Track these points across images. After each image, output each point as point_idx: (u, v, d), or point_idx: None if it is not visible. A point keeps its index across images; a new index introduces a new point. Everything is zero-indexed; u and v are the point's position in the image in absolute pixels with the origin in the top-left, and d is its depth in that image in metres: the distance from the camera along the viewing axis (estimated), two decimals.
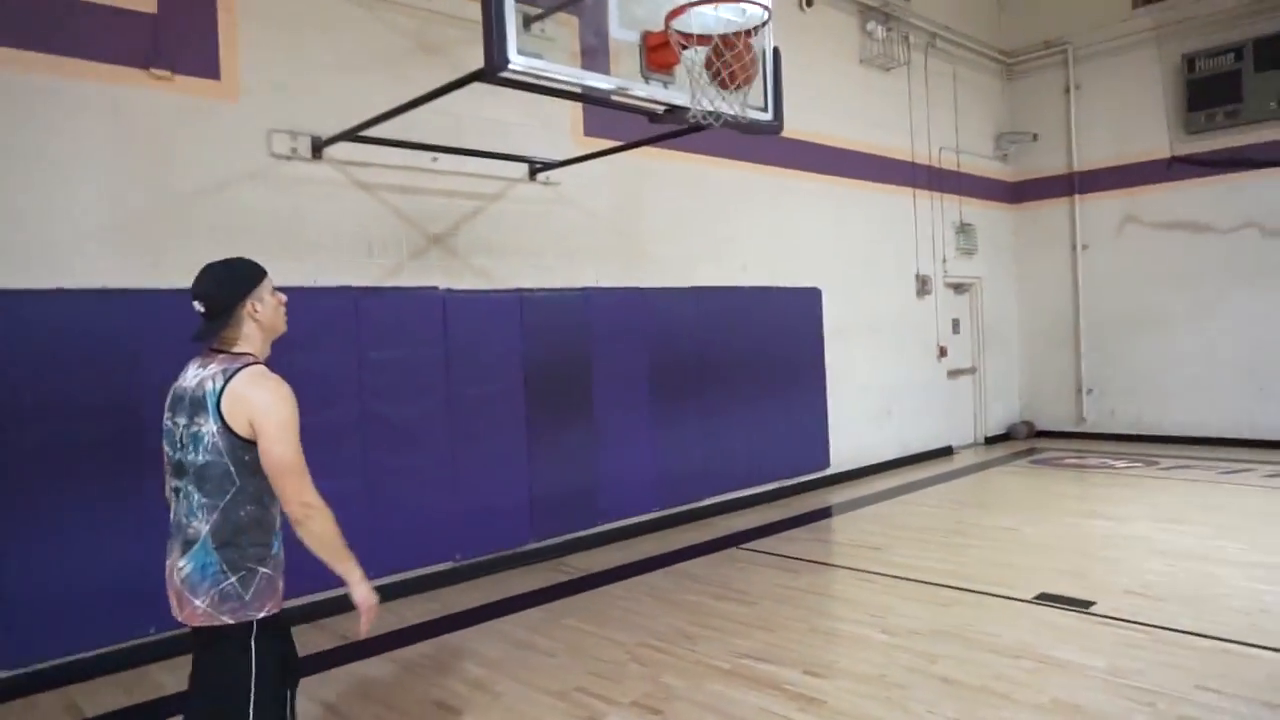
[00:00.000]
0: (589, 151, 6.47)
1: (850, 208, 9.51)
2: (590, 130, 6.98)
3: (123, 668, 4.57)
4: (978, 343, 11.61)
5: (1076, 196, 11.57)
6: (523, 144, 6.49)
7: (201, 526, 2.26)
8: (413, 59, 5.92)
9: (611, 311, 6.98)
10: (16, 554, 4.30)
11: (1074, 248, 11.66)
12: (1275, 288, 10.09)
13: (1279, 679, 3.84)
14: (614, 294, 7.05)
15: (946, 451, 10.88)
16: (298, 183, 5.42)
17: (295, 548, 2.42)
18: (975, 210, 11.43)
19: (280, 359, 5.14)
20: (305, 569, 4.70)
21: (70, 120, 4.60)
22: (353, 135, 5.26)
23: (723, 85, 4.33)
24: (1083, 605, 4.91)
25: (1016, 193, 12.19)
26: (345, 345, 5.46)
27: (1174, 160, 10.57)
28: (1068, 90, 11.52)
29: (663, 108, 4.54)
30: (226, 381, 2.27)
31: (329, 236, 5.56)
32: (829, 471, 9.03)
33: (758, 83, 4.84)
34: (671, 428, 7.37)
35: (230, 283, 2.39)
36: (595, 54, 4.89)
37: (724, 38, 4.26)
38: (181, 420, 2.33)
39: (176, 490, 2.35)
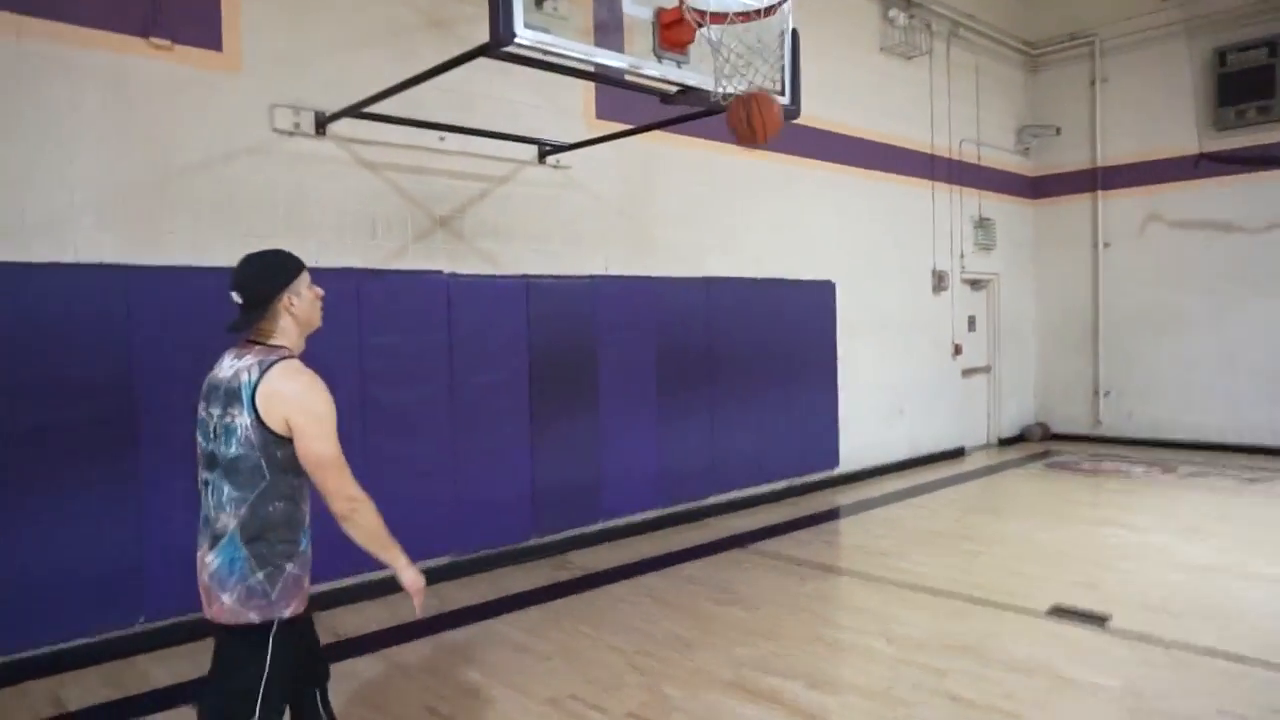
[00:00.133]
0: (600, 135, 6.28)
1: (866, 199, 9.28)
2: (602, 113, 6.78)
3: (109, 658, 4.45)
4: (993, 341, 11.39)
5: (1099, 193, 11.29)
6: (532, 126, 6.30)
7: (230, 520, 2.24)
8: (421, 34, 5.73)
9: (619, 300, 6.80)
10: (0, 538, 4.18)
11: (1095, 245, 11.40)
12: None
13: None
14: (622, 282, 6.87)
15: (958, 453, 10.69)
16: (300, 159, 5.25)
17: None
18: (994, 205, 11.18)
19: None
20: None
21: (66, 89, 4.44)
22: (357, 111, 5.09)
23: (746, 141, 4.21)
24: (1098, 619, 4.73)
25: (1037, 188, 11.92)
26: (346, 329, 5.31)
27: (1202, 157, 10.28)
28: (1093, 83, 11.23)
29: (675, 88, 4.34)
30: (262, 374, 2.24)
31: (332, 216, 5.39)
32: (838, 471, 8.85)
33: (774, 66, 4.64)
34: (677, 423, 7.20)
35: (268, 275, 2.37)
36: (608, 33, 4.70)
37: (753, 96, 4.13)
38: (215, 411, 2.29)
39: (206, 483, 2.31)
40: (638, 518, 7.00)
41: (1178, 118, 10.56)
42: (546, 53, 3.93)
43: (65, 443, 4.31)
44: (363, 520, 2.28)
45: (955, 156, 10.49)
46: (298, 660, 2.35)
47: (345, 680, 4.15)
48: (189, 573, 4.63)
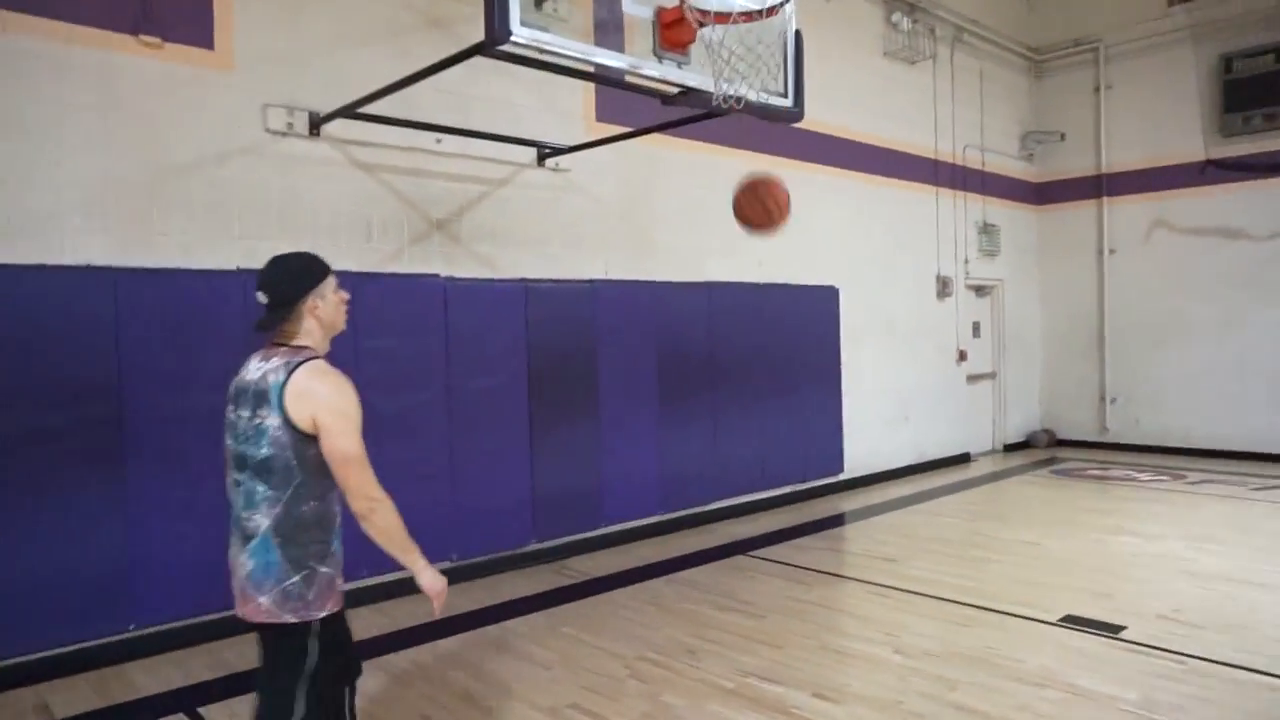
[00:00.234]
0: (600, 138, 6.20)
1: (870, 205, 9.20)
2: (602, 115, 6.71)
3: (98, 665, 4.34)
4: (998, 347, 11.28)
5: (1104, 199, 11.20)
6: (531, 128, 6.23)
7: (262, 521, 2.25)
8: (418, 34, 5.66)
9: (619, 305, 6.71)
10: None
11: (1100, 252, 11.30)
12: None
13: None
14: (622, 287, 6.78)
15: (964, 459, 10.57)
16: (294, 160, 5.17)
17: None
18: (999, 211, 11.09)
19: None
20: None
21: (54, 86, 4.36)
22: (352, 112, 5.01)
23: (765, 226, 4.16)
24: (1112, 630, 4.61)
25: (1042, 194, 11.83)
26: (341, 333, 5.20)
27: (1208, 164, 10.19)
28: (1098, 90, 11.15)
29: (676, 89, 4.26)
30: (289, 375, 2.26)
31: (326, 218, 5.31)
32: (842, 477, 8.74)
33: (777, 67, 4.56)
34: (679, 428, 7.09)
35: (294, 277, 2.39)
36: (608, 33, 4.62)
37: (753, 182, 4.07)
38: (245, 413, 2.32)
39: (237, 483, 2.34)
40: (639, 523, 6.89)
41: (1183, 124, 10.48)
42: (544, 51, 3.85)
43: (52, 446, 4.21)
44: (381, 520, 2.27)
45: (959, 162, 10.41)
46: (337, 657, 2.36)
47: None
48: (180, 579, 4.58)
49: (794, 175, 8.28)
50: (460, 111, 5.83)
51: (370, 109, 5.03)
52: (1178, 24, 10.36)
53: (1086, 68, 11.26)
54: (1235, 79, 9.93)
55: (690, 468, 7.18)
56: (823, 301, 8.52)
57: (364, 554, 5.08)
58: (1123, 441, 11.16)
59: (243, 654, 4.51)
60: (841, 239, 8.85)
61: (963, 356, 10.53)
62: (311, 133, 5.22)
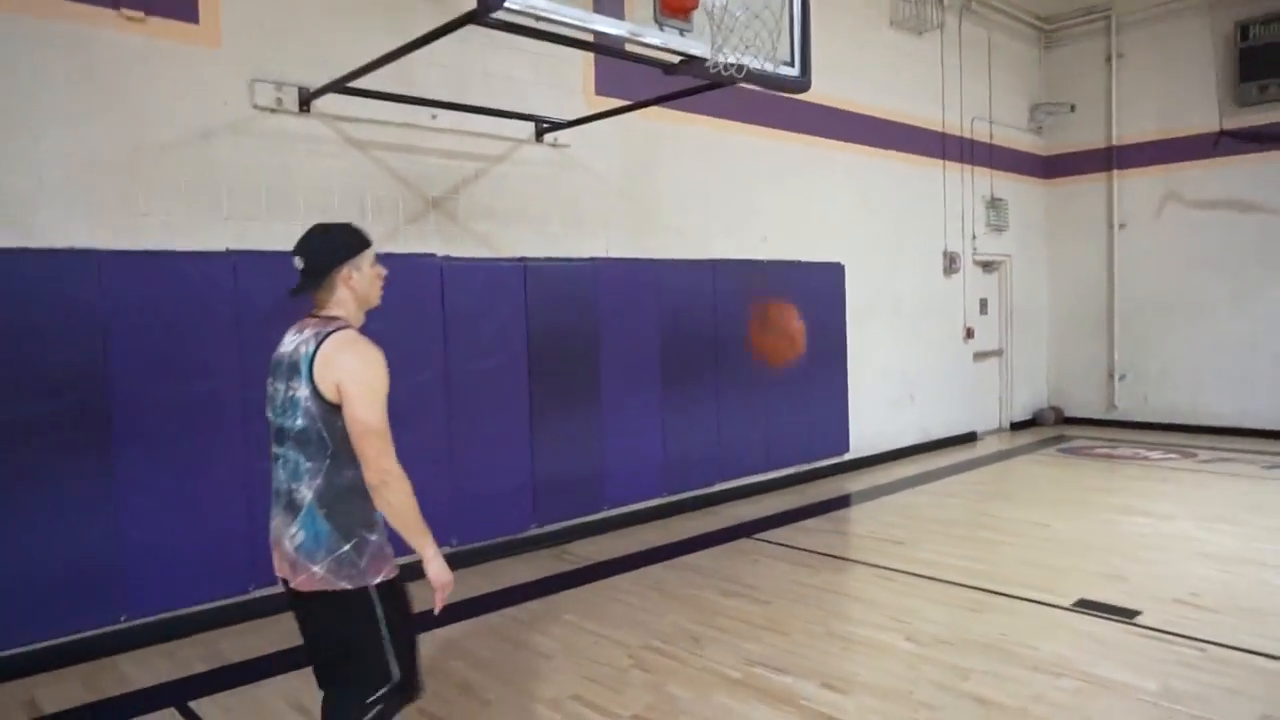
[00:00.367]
0: (600, 111, 6.02)
1: (876, 179, 9.00)
2: (602, 89, 6.52)
3: (88, 658, 4.24)
4: (1005, 324, 11.12)
5: (1115, 172, 10.98)
6: (530, 103, 6.05)
7: (306, 492, 2.26)
8: (412, 6, 5.46)
9: (621, 284, 6.55)
10: None
11: (1110, 226, 11.09)
12: None
13: None
14: (624, 265, 6.62)
15: (970, 437, 10.44)
16: (284, 137, 5.01)
17: None
18: (1007, 185, 10.88)
19: (265, 330, 4.78)
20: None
21: (32, 60, 4.20)
22: (343, 86, 4.84)
23: (788, 356, 3.96)
24: (1127, 615, 4.50)
25: (1050, 167, 11.61)
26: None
27: (1222, 135, 9.95)
28: (1109, 59, 10.90)
29: (678, 58, 4.08)
30: (318, 345, 2.26)
31: (318, 197, 5.15)
32: (847, 457, 8.62)
33: (783, 35, 4.38)
34: (682, 409, 6.96)
35: (331, 247, 2.39)
36: (610, 3, 4.46)
37: (766, 316, 3.88)
38: (280, 386, 2.34)
39: (278, 457, 2.35)
40: (641, 506, 6.78)
41: (1197, 94, 10.23)
42: (540, 19, 3.67)
43: (36, 435, 4.09)
44: (393, 496, 2.24)
45: (967, 135, 10.19)
46: (406, 620, 2.36)
47: None
48: (171, 568, 4.47)
49: (799, 150, 8.13)
50: (456, 86, 5.66)
51: (363, 84, 4.86)
52: None
53: (1097, 37, 11.00)
54: (1251, 46, 9.67)
55: (693, 449, 7.06)
56: (828, 278, 8.36)
57: None
58: (1131, 419, 11.02)
59: (237, 644, 4.43)
60: (847, 215, 8.67)
61: (970, 334, 10.38)
62: (302, 109, 5.05)
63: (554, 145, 6.27)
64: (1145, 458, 9.10)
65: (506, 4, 3.43)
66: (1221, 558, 5.48)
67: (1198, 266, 10.42)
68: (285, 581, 2.35)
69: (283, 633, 4.55)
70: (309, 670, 4.01)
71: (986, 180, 10.53)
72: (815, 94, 7.94)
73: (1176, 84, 10.39)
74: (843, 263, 8.49)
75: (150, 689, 3.94)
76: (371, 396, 2.24)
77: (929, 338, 9.77)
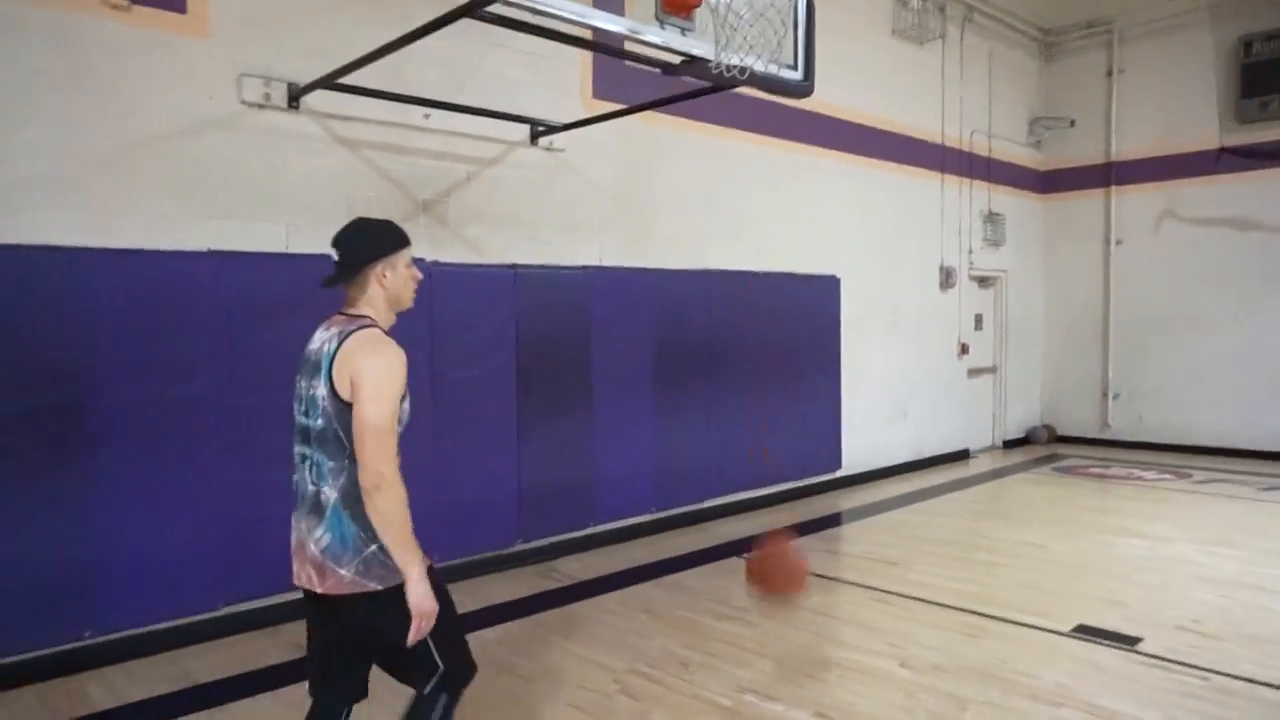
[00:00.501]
0: (596, 114, 5.89)
1: (873, 190, 8.90)
2: (599, 93, 6.39)
3: (47, 677, 4.03)
4: (1000, 340, 11.03)
5: (1113, 188, 10.92)
6: (525, 105, 5.91)
7: (331, 493, 2.23)
8: (408, 1, 5.31)
9: (614, 292, 6.42)
10: None
11: (1107, 242, 11.03)
12: None
13: None
14: (618, 273, 6.48)
15: (963, 455, 10.33)
16: (271, 134, 4.86)
17: None
18: (1004, 199, 10.81)
19: (248, 333, 4.62)
20: (256, 572, 3.91)
21: (9, 49, 4.03)
22: (333, 83, 4.69)
23: (797, 586, 3.78)
24: (1128, 641, 4.37)
25: (1048, 182, 11.54)
26: (319, 318, 4.89)
27: (1223, 151, 9.89)
28: (1110, 74, 10.85)
29: (679, 58, 3.95)
30: (340, 343, 2.23)
31: (305, 196, 5.00)
32: (839, 473, 8.49)
33: (786, 37, 4.25)
34: (675, 422, 6.82)
35: (368, 242, 2.36)
36: (610, 2, 4.33)
37: (767, 550, 3.72)
38: (304, 383, 2.31)
39: (303, 457, 2.31)
40: (631, 521, 6.63)
41: (1198, 110, 10.17)
42: (536, 13, 3.54)
43: (6, 439, 3.91)
44: (384, 502, 2.15)
45: (965, 148, 10.11)
46: (446, 609, 2.31)
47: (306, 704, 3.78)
48: (142, 581, 4.29)
49: (797, 159, 8.02)
50: (450, 86, 5.52)
51: (354, 81, 4.72)
52: (1195, 4, 10.03)
53: (1099, 50, 10.95)
54: (1253, 62, 9.62)
55: (685, 463, 6.92)
56: (824, 291, 8.24)
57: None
58: (1125, 439, 10.94)
59: (206, 664, 4.25)
60: (844, 226, 8.56)
61: (964, 350, 10.28)
62: (290, 105, 4.90)
63: (549, 149, 6.14)
64: (1140, 478, 9.01)
65: None
66: (1221, 582, 5.37)
67: (1195, 284, 10.35)
68: (307, 590, 2.30)
69: (253, 652, 4.39)
70: (281, 692, 3.89)
71: (984, 194, 10.45)
72: (814, 102, 7.82)
73: (1177, 99, 10.34)
74: (838, 275, 8.37)
75: (114, 710, 3.77)
76: (380, 396, 2.17)
77: (924, 353, 9.67)
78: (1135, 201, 10.78)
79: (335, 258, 2.34)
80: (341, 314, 2.37)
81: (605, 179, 6.54)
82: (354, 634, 2.35)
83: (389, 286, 2.35)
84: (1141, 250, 10.78)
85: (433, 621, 2.23)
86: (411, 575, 2.18)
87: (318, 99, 4.96)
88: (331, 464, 2.23)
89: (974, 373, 10.56)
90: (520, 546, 5.91)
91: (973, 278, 10.45)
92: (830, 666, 4.14)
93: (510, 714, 3.65)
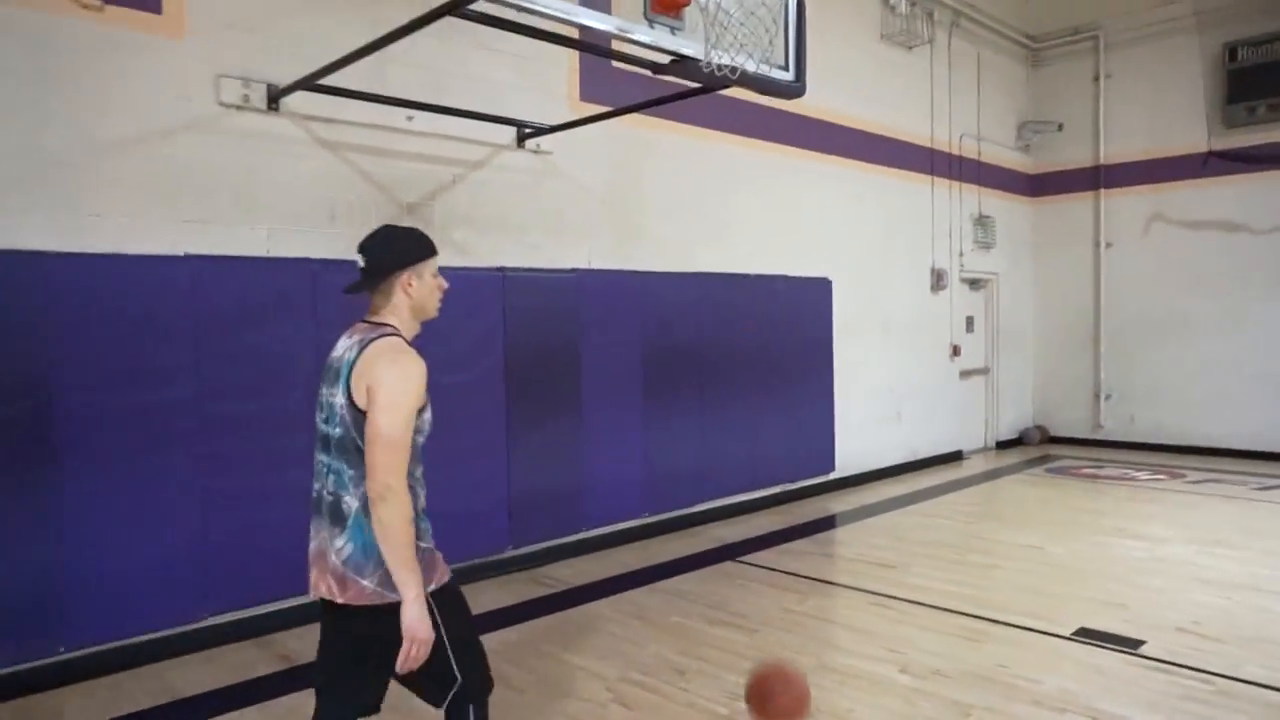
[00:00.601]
0: (584, 117, 5.82)
1: (864, 193, 8.86)
2: (587, 95, 6.32)
3: (20, 694, 3.90)
4: (992, 342, 10.99)
5: (1102, 191, 10.92)
6: (511, 107, 5.83)
7: (352, 502, 2.20)
8: (391, 1, 5.24)
9: (604, 296, 6.33)
10: None
11: (1097, 245, 11.03)
12: None
13: None
14: (607, 276, 6.40)
15: (956, 456, 10.28)
16: (250, 136, 4.76)
17: None
18: (994, 202, 10.79)
19: (227, 339, 4.51)
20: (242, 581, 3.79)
21: None
22: (314, 84, 4.60)
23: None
24: (1130, 645, 4.30)
25: (1038, 185, 11.54)
26: (300, 324, 4.81)
27: (1210, 155, 9.91)
28: (1097, 79, 10.86)
29: (668, 58, 3.89)
30: (360, 352, 2.21)
31: (285, 200, 4.90)
32: (833, 476, 8.42)
33: (777, 38, 4.20)
34: (665, 425, 6.73)
35: (395, 248, 2.33)
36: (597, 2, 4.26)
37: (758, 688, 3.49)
38: (325, 391, 2.29)
39: (322, 465, 2.28)
40: (622, 526, 6.53)
41: (1184, 114, 10.19)
42: (521, 10, 3.46)
43: None
44: (387, 514, 2.09)
45: (955, 151, 10.09)
46: (465, 621, 2.32)
47: (291, 717, 3.67)
48: (118, 594, 4.16)
49: (787, 162, 7.97)
50: (434, 88, 5.44)
51: (336, 83, 4.63)
52: (1181, 11, 10.07)
53: (1086, 56, 10.97)
54: (1240, 68, 9.65)
55: (677, 467, 6.83)
56: (815, 294, 8.18)
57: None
58: (1117, 439, 10.92)
59: (188, 677, 4.13)
60: (835, 229, 8.51)
61: (956, 352, 10.24)
62: (270, 107, 4.80)
63: (536, 152, 6.06)
64: (1133, 478, 8.97)
65: None
66: (1220, 584, 5.31)
67: (1184, 286, 10.35)
68: (325, 601, 2.26)
69: (238, 663, 4.27)
70: (268, 705, 3.78)
71: (974, 197, 10.43)
72: (804, 105, 7.79)
73: (1164, 104, 10.36)
74: (830, 278, 8.32)
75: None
76: (395, 406, 2.13)
77: (916, 355, 9.62)
78: (1124, 205, 10.79)
79: (361, 264, 2.31)
80: (365, 321, 2.34)
81: (594, 182, 6.47)
82: (371, 644, 2.27)
83: (414, 295, 2.34)
84: (1131, 253, 10.78)
85: (426, 650, 2.15)
86: (408, 596, 2.11)
87: (298, 101, 4.87)
88: (352, 473, 2.20)
89: (966, 374, 10.52)
90: (510, 553, 5.80)
91: (964, 280, 10.42)
92: (828, 672, 4.05)
93: None
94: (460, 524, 5.46)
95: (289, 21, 4.87)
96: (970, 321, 10.66)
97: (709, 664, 4.15)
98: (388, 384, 2.14)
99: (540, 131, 5.88)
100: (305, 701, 3.80)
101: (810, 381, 8.09)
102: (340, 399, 2.20)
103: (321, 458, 2.28)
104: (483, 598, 5.26)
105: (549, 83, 6.12)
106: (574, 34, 4.45)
